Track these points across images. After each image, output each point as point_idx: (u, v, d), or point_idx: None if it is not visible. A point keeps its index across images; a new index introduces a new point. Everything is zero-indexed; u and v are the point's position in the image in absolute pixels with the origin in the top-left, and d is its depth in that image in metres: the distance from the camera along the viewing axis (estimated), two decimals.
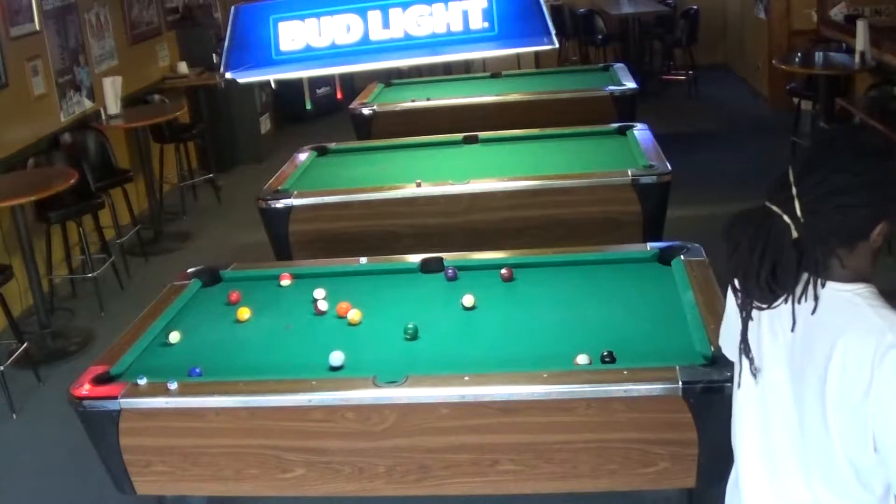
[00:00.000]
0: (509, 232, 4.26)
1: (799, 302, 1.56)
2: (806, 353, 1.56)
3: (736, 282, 1.61)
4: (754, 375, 1.66)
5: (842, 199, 1.51)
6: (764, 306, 1.59)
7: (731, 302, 1.77)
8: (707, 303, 2.89)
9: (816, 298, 1.54)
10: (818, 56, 7.22)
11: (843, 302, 1.54)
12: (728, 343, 1.85)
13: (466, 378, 2.61)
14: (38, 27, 5.99)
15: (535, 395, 2.58)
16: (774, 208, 1.55)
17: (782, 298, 1.56)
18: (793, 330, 1.58)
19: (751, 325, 1.64)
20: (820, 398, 1.52)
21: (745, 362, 1.67)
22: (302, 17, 2.89)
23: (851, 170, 1.52)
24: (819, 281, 1.54)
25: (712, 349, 2.55)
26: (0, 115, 5.52)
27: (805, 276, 1.55)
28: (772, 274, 1.54)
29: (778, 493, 1.66)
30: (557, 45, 2.94)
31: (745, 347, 1.65)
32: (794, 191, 1.54)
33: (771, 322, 1.64)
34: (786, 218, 1.53)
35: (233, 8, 3.00)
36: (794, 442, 1.60)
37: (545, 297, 3.24)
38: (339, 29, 2.88)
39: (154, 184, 6.89)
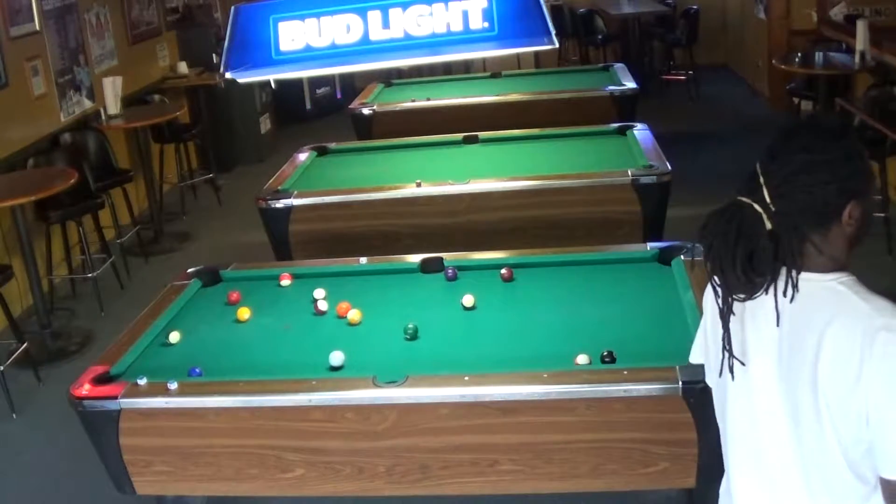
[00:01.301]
0: (509, 232, 4.25)
1: (784, 296, 1.56)
2: (794, 346, 1.57)
3: (715, 278, 1.62)
4: (732, 374, 1.65)
5: (806, 179, 1.55)
6: (743, 296, 1.60)
7: (708, 309, 1.77)
8: None
9: (795, 287, 1.55)
10: (818, 56, 7.22)
11: (827, 291, 1.56)
12: (707, 352, 1.82)
13: (466, 378, 2.61)
14: (38, 27, 5.99)
15: (535, 395, 2.57)
16: (744, 199, 1.59)
17: (762, 289, 1.57)
18: (777, 325, 1.58)
19: (733, 326, 1.64)
20: (812, 390, 1.53)
21: (728, 361, 1.66)
22: (302, 17, 2.89)
23: (810, 149, 1.57)
24: (797, 270, 1.55)
25: None
26: (0, 115, 5.52)
27: (784, 268, 1.56)
28: (748, 261, 1.56)
29: (769, 491, 1.66)
30: (557, 45, 2.94)
31: (727, 344, 1.64)
32: (761, 180, 1.58)
33: (755, 320, 1.64)
34: (756, 207, 1.57)
35: (233, 8, 3.00)
36: (783, 439, 1.60)
37: (545, 297, 3.24)
38: (339, 29, 2.88)
39: (154, 184, 6.89)
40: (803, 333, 1.55)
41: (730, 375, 1.66)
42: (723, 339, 1.65)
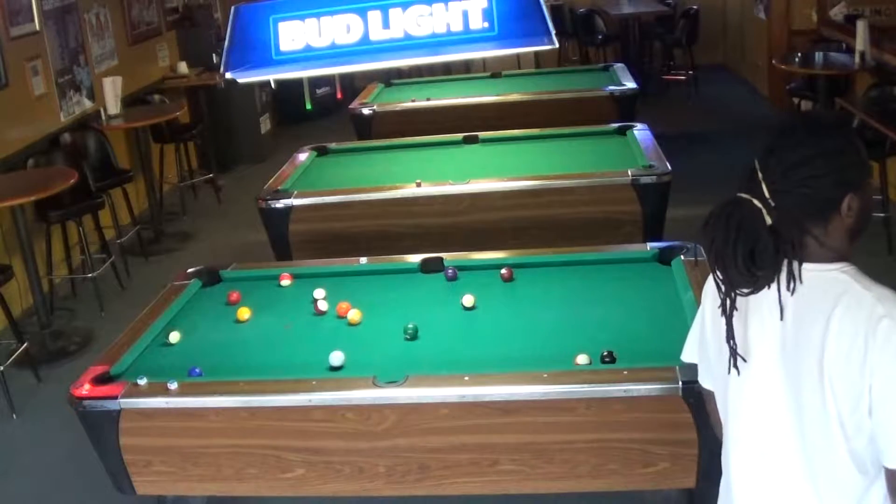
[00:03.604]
0: (509, 232, 4.26)
1: (788, 289, 1.57)
2: (800, 338, 1.57)
3: (718, 274, 1.62)
4: (738, 370, 1.65)
5: (804, 172, 1.57)
6: (746, 291, 1.60)
7: (707, 308, 1.78)
8: None
9: (795, 278, 1.56)
10: (818, 56, 7.22)
11: (830, 281, 1.57)
12: (705, 351, 1.83)
13: (466, 378, 2.61)
14: (38, 27, 5.99)
15: (535, 395, 2.58)
16: (743, 196, 1.60)
17: (765, 283, 1.58)
18: (781, 318, 1.59)
19: (735, 324, 1.64)
20: (819, 381, 1.53)
21: (732, 357, 1.66)
22: (302, 17, 2.90)
23: (807, 143, 1.59)
24: (798, 261, 1.56)
25: None
26: (0, 115, 5.52)
27: (786, 261, 1.57)
28: (749, 257, 1.56)
29: (771, 486, 1.66)
30: (557, 45, 2.94)
31: (731, 340, 1.64)
32: (759, 175, 1.60)
33: (759, 316, 1.64)
34: (756, 202, 1.58)
35: (233, 8, 3.01)
36: (786, 430, 1.61)
37: (545, 297, 3.24)
38: (339, 29, 2.88)
39: (154, 184, 6.89)
40: (807, 323, 1.56)
41: (733, 372, 1.66)
42: (727, 335, 1.64)
